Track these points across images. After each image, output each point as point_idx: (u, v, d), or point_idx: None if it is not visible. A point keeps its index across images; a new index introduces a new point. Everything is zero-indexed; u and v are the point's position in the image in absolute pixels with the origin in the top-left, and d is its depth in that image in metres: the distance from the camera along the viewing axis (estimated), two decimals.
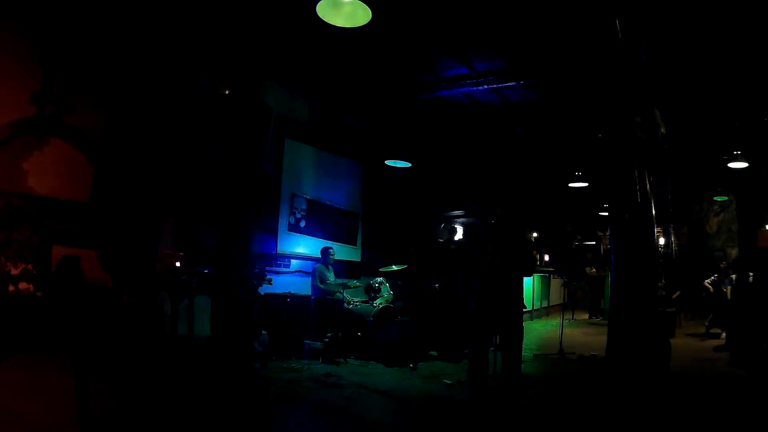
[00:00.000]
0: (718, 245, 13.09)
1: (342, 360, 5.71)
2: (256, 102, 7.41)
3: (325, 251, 7.34)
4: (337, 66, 7.11)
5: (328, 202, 8.76)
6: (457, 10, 5.44)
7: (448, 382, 5.06)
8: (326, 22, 4.43)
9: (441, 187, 11.07)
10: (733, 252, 12.54)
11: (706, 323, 8.87)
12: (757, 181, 10.94)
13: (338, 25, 4.46)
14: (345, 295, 6.46)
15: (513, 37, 6.00)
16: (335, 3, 4.19)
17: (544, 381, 5.30)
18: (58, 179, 5.60)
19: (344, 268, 8.16)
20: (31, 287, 5.13)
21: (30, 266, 5.17)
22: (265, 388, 4.43)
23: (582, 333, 9.04)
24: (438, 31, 5.98)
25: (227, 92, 6.48)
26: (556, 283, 12.21)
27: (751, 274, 8.48)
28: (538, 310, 11.23)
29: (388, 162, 8.89)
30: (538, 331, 8.83)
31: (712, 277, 9.14)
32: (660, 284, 3.75)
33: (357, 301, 6.72)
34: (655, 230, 3.45)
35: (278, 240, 7.82)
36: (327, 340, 5.90)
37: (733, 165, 8.81)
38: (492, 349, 4.72)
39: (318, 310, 6.72)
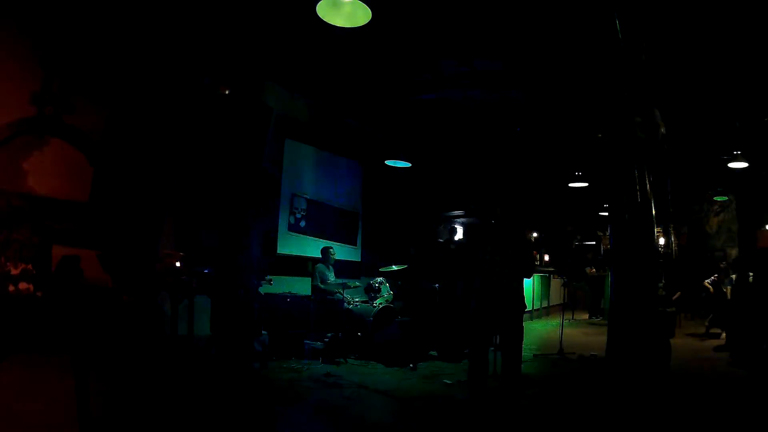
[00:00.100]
0: (718, 245, 13.09)
1: (342, 360, 5.71)
2: (256, 102, 7.41)
3: (325, 251, 7.34)
4: (337, 66, 7.11)
5: (328, 202, 8.76)
6: (456, 10, 5.43)
7: (448, 382, 5.06)
8: (326, 22, 4.43)
9: (441, 187, 11.07)
10: (733, 252, 12.53)
11: (706, 323, 8.86)
12: (757, 181, 10.93)
13: (338, 25, 4.46)
14: (345, 295, 6.46)
15: (513, 37, 6.00)
16: (335, 3, 4.19)
17: (544, 381, 5.30)
18: (58, 179, 5.60)
19: (344, 268, 8.15)
20: (31, 287, 5.13)
21: (30, 266, 5.18)
22: (265, 388, 4.43)
23: (582, 333, 9.04)
24: (438, 31, 5.97)
25: (227, 92, 6.47)
26: (556, 283, 12.20)
27: (751, 274, 8.48)
28: (538, 310, 11.23)
29: (388, 162, 8.88)
30: (538, 331, 8.83)
31: (712, 277, 9.13)
32: (660, 284, 3.75)
33: (357, 301, 6.72)
34: (655, 230, 3.45)
35: (278, 240, 7.81)
36: (327, 340, 5.90)
37: (733, 165, 8.80)
38: (492, 349, 4.72)
39: (318, 310, 6.72)
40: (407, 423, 3.80)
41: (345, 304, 6.39)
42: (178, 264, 5.41)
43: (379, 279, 6.97)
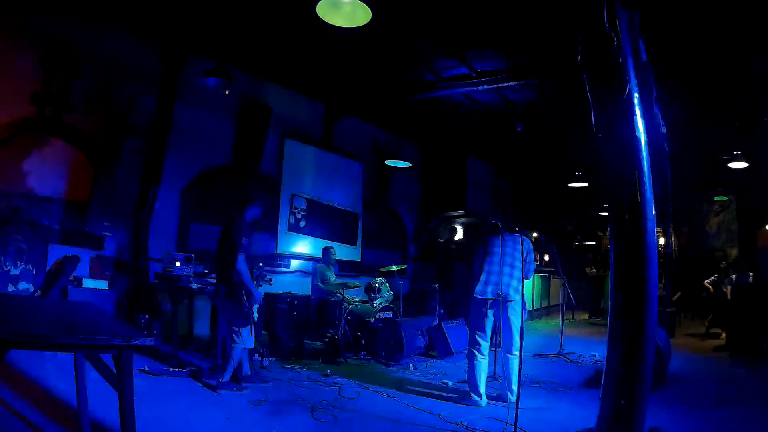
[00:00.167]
0: (718, 245, 13.09)
1: (342, 360, 5.71)
2: (256, 102, 7.42)
3: (326, 251, 7.35)
4: (337, 66, 7.11)
5: (328, 202, 8.76)
6: (456, 10, 5.44)
7: (448, 382, 5.06)
8: (326, 22, 4.43)
9: (441, 187, 11.08)
10: (733, 252, 12.53)
11: (706, 323, 8.86)
12: (757, 181, 10.94)
13: (338, 25, 4.46)
14: (345, 295, 6.46)
15: (513, 37, 6.00)
16: (335, 3, 4.19)
17: (545, 381, 5.29)
18: (58, 179, 5.60)
19: (344, 268, 8.17)
20: (31, 287, 5.14)
21: (30, 266, 5.18)
22: (265, 388, 4.44)
23: (582, 333, 9.03)
24: (438, 31, 5.98)
25: (227, 92, 6.48)
26: (556, 283, 12.20)
27: (751, 274, 8.49)
28: (538, 310, 11.22)
29: (388, 162, 8.89)
30: (538, 331, 8.82)
31: (712, 277, 9.14)
32: (660, 284, 3.74)
33: (357, 301, 6.73)
34: (655, 230, 3.45)
35: (278, 240, 7.82)
36: (327, 340, 5.90)
37: (733, 165, 8.81)
38: (492, 349, 4.72)
39: (318, 310, 6.72)
40: (407, 424, 3.80)
41: (345, 304, 6.39)
42: (178, 264, 5.41)
43: (379, 279, 6.97)
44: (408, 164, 8.78)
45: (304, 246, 8.22)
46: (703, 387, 5.28)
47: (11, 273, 5.03)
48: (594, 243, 14.98)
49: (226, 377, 4.31)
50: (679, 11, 5.03)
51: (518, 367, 3.88)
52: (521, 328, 4.09)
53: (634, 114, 3.06)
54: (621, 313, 3.10)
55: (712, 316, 8.76)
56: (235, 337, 4.36)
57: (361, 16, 4.29)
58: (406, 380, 5.10)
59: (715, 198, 12.82)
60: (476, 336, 4.40)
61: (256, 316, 4.53)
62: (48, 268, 5.17)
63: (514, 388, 3.73)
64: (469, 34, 5.98)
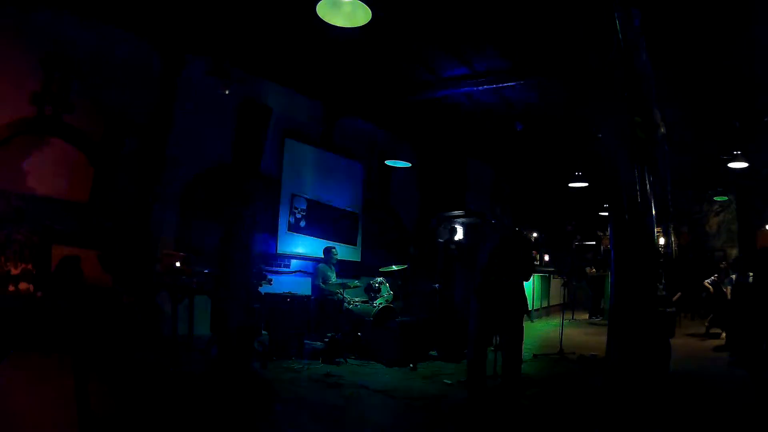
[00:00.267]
0: (718, 245, 13.08)
1: (342, 360, 5.70)
2: (255, 102, 7.42)
3: (327, 251, 7.35)
4: (336, 66, 7.11)
5: (328, 202, 8.76)
6: (456, 10, 5.43)
7: (448, 382, 5.06)
8: (326, 22, 4.43)
9: (441, 187, 11.07)
10: (733, 252, 12.53)
11: (706, 323, 8.86)
12: (757, 181, 10.94)
13: (338, 25, 4.46)
14: (345, 295, 6.45)
15: (513, 37, 6.00)
16: (335, 3, 4.19)
17: (544, 381, 5.30)
18: (58, 179, 5.60)
19: (344, 268, 8.17)
20: (31, 287, 5.13)
21: (30, 266, 5.17)
22: (265, 388, 4.43)
23: (582, 333, 9.03)
24: (438, 30, 5.98)
25: (227, 92, 6.48)
26: (556, 283, 12.20)
27: (751, 274, 8.48)
28: (538, 310, 11.22)
29: (388, 162, 8.89)
30: (538, 331, 8.82)
31: (712, 277, 9.13)
32: (660, 284, 3.74)
33: (357, 301, 6.73)
34: (655, 230, 3.45)
35: (278, 240, 7.82)
36: (327, 340, 5.90)
37: (733, 165, 8.81)
38: (492, 349, 4.72)
39: (318, 310, 6.72)
40: (407, 423, 3.80)
41: (345, 304, 6.39)
42: (178, 264, 5.40)
43: (379, 279, 6.97)
44: (408, 164, 8.77)
45: (304, 246, 8.21)
46: (702, 387, 5.28)
47: (11, 273, 5.02)
48: (594, 243, 14.97)
49: None
50: (679, 11, 5.03)
51: (518, 367, 3.88)
52: (521, 328, 4.09)
53: (634, 114, 3.06)
54: (621, 312, 3.10)
55: (712, 316, 8.75)
56: None
57: (361, 16, 4.29)
58: (406, 380, 5.10)
59: (715, 198, 12.81)
60: (476, 335, 4.40)
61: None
62: (48, 268, 5.17)
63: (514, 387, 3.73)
64: (469, 33, 5.98)
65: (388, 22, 5.58)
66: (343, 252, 8.38)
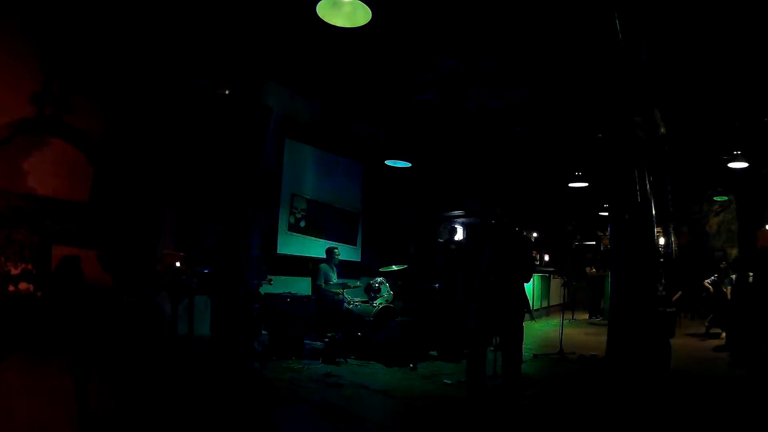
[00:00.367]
0: (718, 245, 13.09)
1: (342, 360, 5.70)
2: (255, 102, 7.41)
3: (330, 251, 7.35)
4: (337, 66, 7.11)
5: (328, 202, 8.76)
6: (457, 10, 5.44)
7: (448, 382, 5.06)
8: (326, 22, 4.43)
9: (441, 187, 11.07)
10: (733, 252, 12.53)
11: (706, 323, 8.86)
12: (757, 181, 10.94)
13: (338, 25, 4.46)
14: (345, 295, 6.45)
15: (513, 37, 6.00)
16: (335, 3, 4.19)
17: (544, 381, 5.30)
18: (58, 179, 5.60)
19: (344, 268, 8.17)
20: (31, 287, 5.13)
21: (30, 266, 5.17)
22: (265, 388, 4.43)
23: (582, 333, 9.04)
24: (438, 31, 5.98)
25: (227, 92, 6.48)
26: (556, 283, 12.20)
27: (751, 274, 8.48)
28: (538, 310, 11.23)
29: (388, 162, 8.89)
30: (538, 331, 8.83)
31: (712, 277, 9.13)
32: (660, 284, 3.75)
33: (357, 301, 6.72)
34: (655, 230, 3.45)
35: (278, 240, 7.82)
36: (327, 340, 5.90)
37: (733, 165, 8.80)
38: (492, 349, 4.72)
39: (318, 310, 6.72)
40: (407, 423, 3.80)
41: (345, 304, 6.39)
42: (178, 264, 5.41)
43: (379, 279, 6.97)
44: (408, 164, 8.77)
45: (304, 246, 8.21)
46: (702, 387, 5.28)
47: (11, 273, 5.03)
48: (594, 243, 14.98)
49: None
50: (679, 11, 5.03)
51: (518, 367, 3.88)
52: (521, 328, 4.09)
53: (634, 114, 3.07)
54: (621, 312, 3.11)
55: (712, 316, 8.76)
56: None
57: (361, 16, 4.29)
58: (406, 380, 5.10)
59: (715, 198, 12.82)
60: (476, 336, 4.40)
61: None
62: (48, 268, 5.17)
63: (514, 387, 3.73)
64: (469, 34, 5.98)
65: (388, 22, 5.58)
66: (343, 252, 8.39)
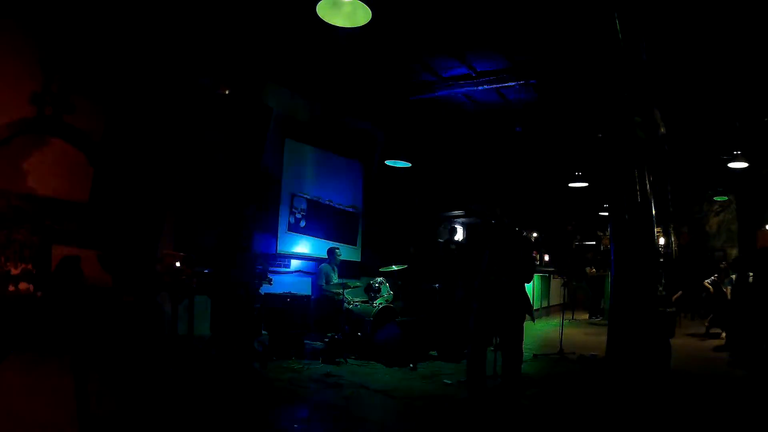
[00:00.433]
0: (718, 245, 13.09)
1: (342, 360, 5.70)
2: (255, 102, 7.41)
3: (331, 252, 7.35)
4: (337, 66, 7.11)
5: (328, 202, 8.76)
6: (456, 10, 5.44)
7: (448, 382, 5.06)
8: (326, 22, 4.43)
9: (441, 187, 11.07)
10: (733, 252, 12.53)
11: (706, 323, 8.86)
12: (757, 181, 10.94)
13: (338, 25, 4.46)
14: (345, 295, 6.46)
15: (512, 37, 6.01)
16: (335, 3, 4.19)
17: (544, 381, 5.30)
18: (58, 179, 5.60)
19: (344, 268, 8.17)
20: (31, 287, 5.13)
21: (30, 266, 5.17)
22: (265, 388, 4.43)
23: (582, 333, 9.04)
24: (438, 31, 5.98)
25: (227, 92, 6.48)
26: (556, 283, 12.20)
27: (751, 274, 8.48)
28: (538, 310, 11.23)
29: (388, 162, 8.89)
30: (538, 331, 8.83)
31: (712, 277, 9.13)
32: (660, 284, 3.75)
33: (357, 301, 6.72)
34: (655, 230, 3.45)
35: (278, 240, 7.82)
36: (327, 340, 5.90)
37: (733, 165, 8.81)
38: (492, 349, 4.72)
39: (318, 310, 6.72)
40: (408, 423, 3.80)
41: (345, 304, 6.39)
42: (178, 264, 5.40)
43: (379, 279, 6.97)
44: (408, 164, 8.77)
45: (304, 246, 8.21)
46: (702, 387, 5.28)
47: (11, 273, 5.03)
48: (594, 243, 14.98)
49: None
50: (679, 11, 5.03)
51: (518, 367, 3.88)
52: (521, 328, 4.09)
53: (634, 114, 3.07)
54: (621, 312, 3.11)
55: (712, 316, 8.76)
56: None
57: (361, 15, 4.29)
58: (406, 380, 5.10)
59: (715, 198, 12.82)
60: (476, 335, 4.39)
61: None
62: (48, 268, 5.17)
63: (514, 388, 3.73)
64: (469, 34, 5.98)
65: (388, 23, 5.58)
66: (344, 252, 8.39)
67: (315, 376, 5.00)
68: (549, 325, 9.77)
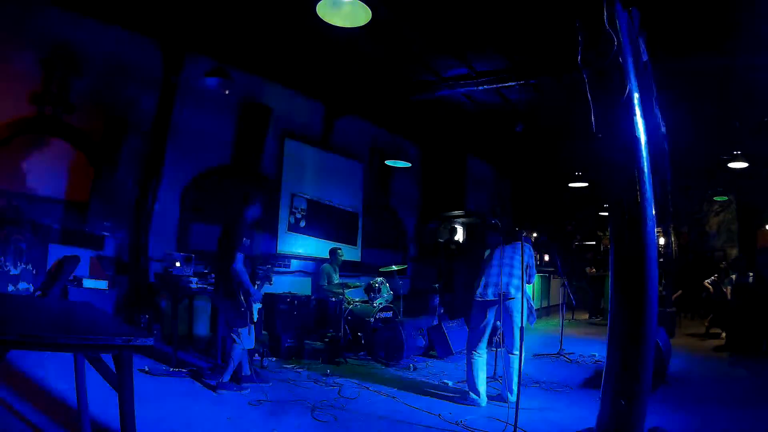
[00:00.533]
0: (718, 245, 13.09)
1: (342, 360, 5.70)
2: (255, 102, 7.42)
3: (333, 252, 7.35)
4: (336, 66, 7.11)
5: (328, 202, 8.76)
6: (456, 10, 5.44)
7: (448, 382, 5.06)
8: (326, 22, 4.43)
9: (441, 187, 11.08)
10: (733, 252, 12.53)
11: (706, 323, 8.87)
12: (757, 181, 10.94)
13: (338, 25, 4.46)
14: (345, 295, 6.45)
15: (512, 37, 6.01)
16: (335, 3, 4.19)
17: (544, 381, 5.29)
18: (58, 179, 5.60)
19: (344, 268, 8.18)
20: (31, 287, 5.14)
21: (30, 266, 5.18)
22: (265, 388, 4.43)
23: (582, 333, 9.04)
24: (438, 31, 5.98)
25: (227, 92, 6.48)
26: (556, 283, 12.20)
27: (751, 274, 8.49)
28: (538, 309, 11.22)
29: (388, 162, 8.89)
30: (538, 331, 8.82)
31: (712, 277, 9.14)
32: (660, 284, 3.74)
33: (357, 301, 6.73)
34: (655, 230, 3.45)
35: (278, 240, 7.82)
36: (327, 340, 5.90)
37: (733, 165, 8.81)
38: (492, 349, 4.72)
39: (318, 310, 6.72)
40: (408, 424, 3.80)
41: (345, 304, 6.39)
42: (178, 264, 5.41)
43: (379, 279, 6.97)
44: (408, 164, 8.77)
45: (304, 246, 8.22)
46: (702, 387, 5.28)
47: (11, 273, 5.03)
48: (594, 243, 14.98)
49: (226, 377, 4.30)
50: (679, 11, 5.03)
51: (518, 367, 3.88)
52: (521, 328, 4.08)
53: (634, 114, 3.06)
54: (621, 313, 3.10)
55: (712, 316, 8.76)
56: (234, 337, 4.36)
57: (361, 16, 4.29)
58: (405, 380, 5.10)
59: (715, 198, 12.82)
60: (476, 336, 4.40)
61: (256, 316, 4.51)
62: (48, 268, 5.17)
63: (514, 388, 3.73)
64: (469, 34, 5.98)
65: (388, 23, 5.58)
66: (344, 252, 8.40)
67: (315, 376, 5.00)
68: (549, 325, 9.77)
